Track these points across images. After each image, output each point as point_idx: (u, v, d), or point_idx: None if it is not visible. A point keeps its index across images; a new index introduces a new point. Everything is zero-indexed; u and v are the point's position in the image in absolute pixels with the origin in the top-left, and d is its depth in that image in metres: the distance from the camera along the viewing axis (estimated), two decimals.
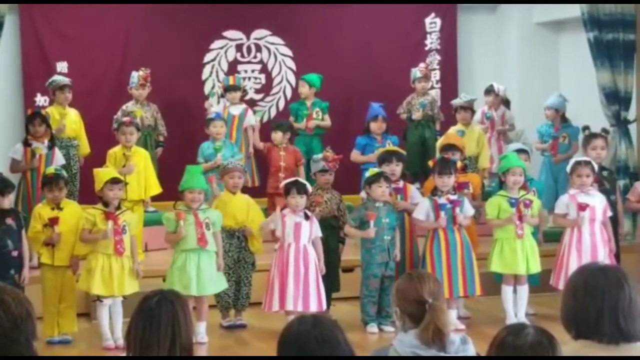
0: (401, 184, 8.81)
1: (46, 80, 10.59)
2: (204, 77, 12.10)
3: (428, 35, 12.68)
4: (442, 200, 8.34)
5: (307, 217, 8.24)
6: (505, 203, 8.49)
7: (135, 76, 10.77)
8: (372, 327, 8.37)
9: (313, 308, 8.01)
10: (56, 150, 9.69)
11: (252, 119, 11.10)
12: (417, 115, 11.40)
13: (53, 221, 8.08)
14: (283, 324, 8.08)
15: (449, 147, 9.15)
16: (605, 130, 10.13)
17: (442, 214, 8.29)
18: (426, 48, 12.65)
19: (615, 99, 10.66)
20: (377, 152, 9.80)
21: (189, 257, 7.99)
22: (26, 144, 9.60)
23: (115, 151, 9.67)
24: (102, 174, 8.16)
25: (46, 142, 9.60)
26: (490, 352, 3.35)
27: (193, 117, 11.59)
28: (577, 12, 10.69)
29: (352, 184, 9.96)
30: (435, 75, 12.57)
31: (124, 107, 10.69)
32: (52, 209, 8.19)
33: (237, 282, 8.55)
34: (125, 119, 9.95)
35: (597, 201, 8.60)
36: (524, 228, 8.46)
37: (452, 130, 10.79)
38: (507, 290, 8.55)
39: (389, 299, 8.32)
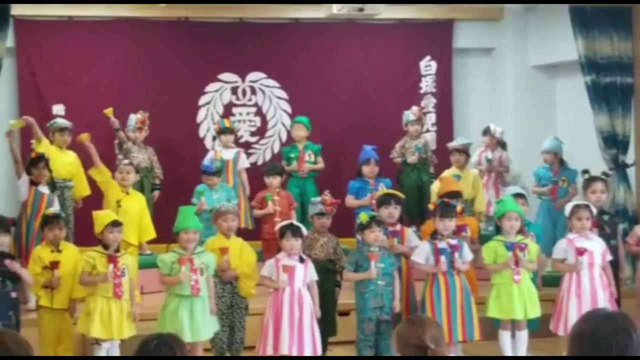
0: (398, 227, 8.77)
1: (43, 123, 10.55)
2: (199, 119, 12.10)
3: (423, 78, 12.69)
4: (442, 244, 8.30)
5: (302, 260, 8.18)
6: (502, 247, 8.44)
7: (133, 119, 10.79)
8: None
9: (308, 352, 7.93)
10: (55, 197, 9.70)
11: (245, 162, 11.19)
12: (412, 159, 11.38)
13: (54, 265, 8.07)
14: None
15: (451, 195, 9.09)
16: (605, 174, 10.09)
17: (442, 258, 8.24)
18: (421, 91, 12.67)
19: (614, 142, 10.64)
20: (372, 196, 9.80)
21: (181, 302, 7.92)
22: (32, 183, 9.58)
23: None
24: (102, 217, 8.15)
25: (46, 184, 9.62)
26: None
27: (188, 160, 11.60)
28: (573, 56, 10.71)
29: (346, 227, 9.91)
30: (431, 118, 12.58)
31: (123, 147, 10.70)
32: (52, 251, 8.18)
33: (231, 327, 8.48)
34: (125, 161, 10.00)
35: (596, 245, 8.56)
36: (521, 273, 8.40)
37: (448, 174, 10.76)
38: (504, 335, 8.48)
39: (386, 343, 8.28)
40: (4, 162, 11.01)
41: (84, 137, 10.05)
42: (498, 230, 8.72)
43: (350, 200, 10.44)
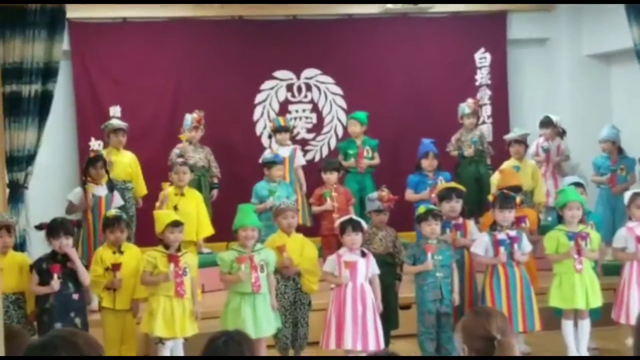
0: (460, 220, 8.78)
1: (99, 125, 10.73)
2: (255, 118, 12.18)
3: (478, 70, 12.64)
4: (501, 235, 8.31)
5: (363, 255, 8.22)
6: (564, 237, 8.42)
7: (189, 118, 10.86)
8: None
9: (372, 347, 7.96)
10: (115, 192, 9.79)
11: (301, 159, 11.22)
12: (469, 152, 11.36)
13: (115, 267, 8.13)
14: None
15: (511, 189, 9.04)
16: None
17: (502, 249, 8.24)
18: (476, 83, 12.62)
19: None
20: (432, 190, 9.81)
21: (243, 300, 7.96)
22: (84, 186, 9.71)
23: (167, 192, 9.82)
24: (163, 217, 8.18)
25: (105, 185, 9.72)
26: None
27: (245, 158, 11.69)
28: (628, 44, 10.60)
29: (406, 221, 9.92)
30: (487, 110, 12.54)
31: (176, 149, 10.76)
32: (114, 252, 8.23)
33: (294, 324, 8.51)
34: (180, 159, 10.07)
35: None
36: (583, 262, 8.38)
37: (507, 165, 10.73)
38: (567, 324, 8.46)
39: (447, 335, 8.29)
40: (67, 165, 11.20)
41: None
42: (559, 220, 8.69)
43: (410, 195, 10.45)
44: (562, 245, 8.42)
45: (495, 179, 10.34)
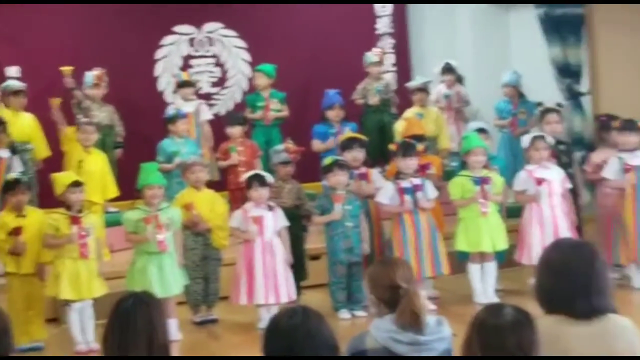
0: (364, 169, 8.84)
1: None
2: (157, 74, 12.04)
3: (379, 20, 12.68)
4: (405, 183, 8.40)
5: (270, 209, 8.25)
6: (469, 182, 8.55)
7: (90, 76, 10.66)
8: (344, 314, 8.41)
9: (284, 299, 8.04)
10: (15, 157, 9.63)
11: (207, 114, 11.14)
12: (373, 100, 11.39)
13: (17, 231, 7.99)
14: (254, 316, 8.22)
15: (415, 138, 9.12)
16: (559, 105, 10.24)
17: (407, 197, 8.34)
18: (378, 32, 12.66)
19: (567, 72, 10.79)
20: (336, 139, 9.84)
21: (150, 259, 7.96)
22: None
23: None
24: (62, 178, 8.08)
25: (6, 148, 9.56)
26: (471, 334, 3.37)
27: (148, 116, 11.53)
28: None
29: (312, 172, 9.97)
30: (390, 59, 12.59)
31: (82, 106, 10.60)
32: (16, 216, 8.11)
33: (205, 279, 8.54)
34: (85, 119, 9.95)
35: (554, 174, 8.71)
36: (488, 206, 8.52)
37: (410, 113, 10.83)
38: (473, 268, 8.62)
39: (358, 284, 8.39)
40: None
41: (56, 102, 10.00)
42: (463, 166, 8.82)
43: (317, 145, 10.47)
44: (468, 190, 8.56)
45: (399, 127, 10.43)
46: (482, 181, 8.52)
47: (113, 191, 10.03)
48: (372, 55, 11.56)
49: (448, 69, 11.74)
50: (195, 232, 8.45)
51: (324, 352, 3.49)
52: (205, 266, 8.54)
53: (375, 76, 11.50)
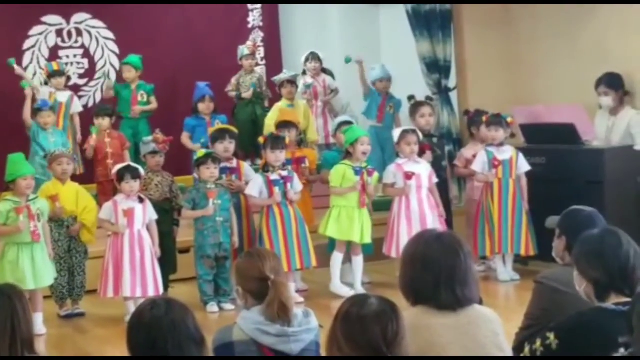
0: (235, 162, 8.84)
1: None
2: (24, 64, 11.80)
3: (250, 13, 12.69)
4: (274, 176, 8.43)
5: (141, 201, 8.19)
6: (350, 171, 8.58)
7: None
8: (212, 307, 8.40)
9: (151, 292, 7.98)
10: None
11: (78, 106, 11.06)
12: (247, 94, 11.43)
13: None
14: (121, 309, 8.13)
15: (285, 124, 9.19)
16: (430, 98, 10.43)
17: (276, 189, 8.37)
18: (249, 25, 12.68)
19: (436, 68, 10.95)
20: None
21: (21, 250, 7.84)
22: None
23: None
24: None
25: None
26: (336, 325, 3.36)
27: (16, 105, 11.28)
28: None
29: (182, 165, 9.92)
30: (260, 52, 12.62)
31: None
32: None
33: (71, 272, 8.42)
34: None
35: (423, 169, 8.81)
36: (366, 198, 8.61)
37: (281, 105, 10.86)
38: (338, 256, 8.69)
39: (225, 277, 8.40)
40: None
41: None
42: (344, 157, 8.79)
43: (186, 139, 10.42)
44: (347, 179, 8.59)
45: (269, 118, 10.46)
46: (362, 172, 8.56)
47: None
48: (245, 48, 11.62)
49: (313, 57, 11.75)
50: (59, 223, 8.33)
51: (189, 344, 3.47)
52: (70, 259, 8.42)
53: (248, 69, 11.52)
